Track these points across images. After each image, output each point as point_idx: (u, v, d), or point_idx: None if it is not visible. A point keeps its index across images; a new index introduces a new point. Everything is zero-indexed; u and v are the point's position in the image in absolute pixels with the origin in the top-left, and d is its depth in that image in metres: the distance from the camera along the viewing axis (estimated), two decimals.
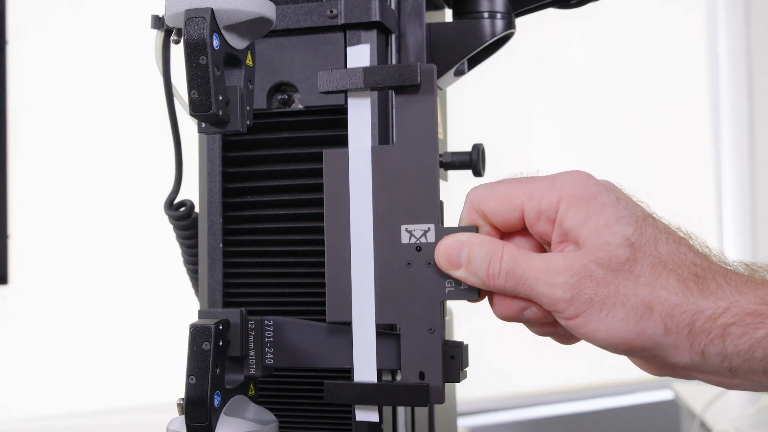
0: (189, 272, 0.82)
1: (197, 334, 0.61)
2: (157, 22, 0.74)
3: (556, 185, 0.56)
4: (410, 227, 0.60)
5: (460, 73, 0.81)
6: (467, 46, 0.76)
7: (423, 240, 0.60)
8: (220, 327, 0.62)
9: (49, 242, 1.63)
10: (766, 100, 2.19)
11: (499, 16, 0.76)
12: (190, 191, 0.78)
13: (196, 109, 0.61)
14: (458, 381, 0.60)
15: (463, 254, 0.57)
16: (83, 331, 1.62)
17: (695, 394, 1.97)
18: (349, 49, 0.64)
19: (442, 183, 0.82)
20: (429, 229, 0.60)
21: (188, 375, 0.61)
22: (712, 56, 2.29)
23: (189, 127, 0.80)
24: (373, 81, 0.61)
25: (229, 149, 0.75)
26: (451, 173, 0.82)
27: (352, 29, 0.72)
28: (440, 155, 0.78)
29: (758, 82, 2.21)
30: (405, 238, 0.60)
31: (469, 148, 0.78)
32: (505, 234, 0.60)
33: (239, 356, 0.64)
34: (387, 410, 0.73)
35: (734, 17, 2.22)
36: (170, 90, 0.76)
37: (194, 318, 0.80)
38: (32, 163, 1.63)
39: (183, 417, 0.63)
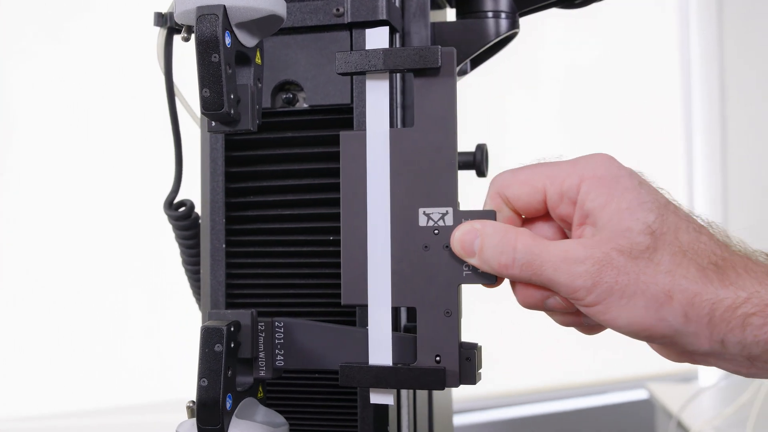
0: (187, 273, 0.81)
1: (209, 335, 0.60)
2: (160, 19, 0.73)
3: (577, 167, 0.56)
4: (428, 210, 0.60)
5: (462, 72, 0.80)
6: (472, 46, 0.76)
7: (441, 223, 0.60)
8: (232, 329, 0.61)
9: (48, 242, 1.61)
10: (737, 94, 2.22)
11: (503, 15, 0.76)
12: (192, 191, 0.77)
13: (208, 108, 0.60)
14: (474, 383, 0.60)
15: (476, 243, 0.57)
16: (80, 330, 1.61)
17: (670, 394, 1.99)
18: (368, 31, 0.64)
19: None
20: (447, 213, 0.60)
21: (200, 377, 0.60)
22: (684, 53, 2.31)
23: (189, 125, 0.79)
24: (393, 63, 0.60)
25: (233, 149, 0.74)
26: None
27: (358, 28, 0.71)
28: None
29: (729, 80, 2.23)
30: (423, 221, 0.60)
31: (472, 149, 0.77)
32: (526, 220, 0.60)
33: (249, 358, 0.63)
34: (392, 408, 0.72)
35: (706, 16, 2.25)
36: (171, 88, 0.75)
37: (193, 318, 0.79)
38: (32, 161, 1.61)
39: (193, 420, 0.62)
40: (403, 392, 0.74)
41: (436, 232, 0.60)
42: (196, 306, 0.84)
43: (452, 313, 0.60)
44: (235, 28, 0.62)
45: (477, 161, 0.77)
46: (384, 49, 0.60)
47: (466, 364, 0.60)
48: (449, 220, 0.60)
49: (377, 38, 0.64)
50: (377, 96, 0.62)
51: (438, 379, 0.59)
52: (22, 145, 1.60)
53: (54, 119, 1.61)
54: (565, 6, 0.78)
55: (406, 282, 0.60)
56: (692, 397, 1.85)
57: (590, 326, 0.59)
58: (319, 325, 0.64)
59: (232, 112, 0.61)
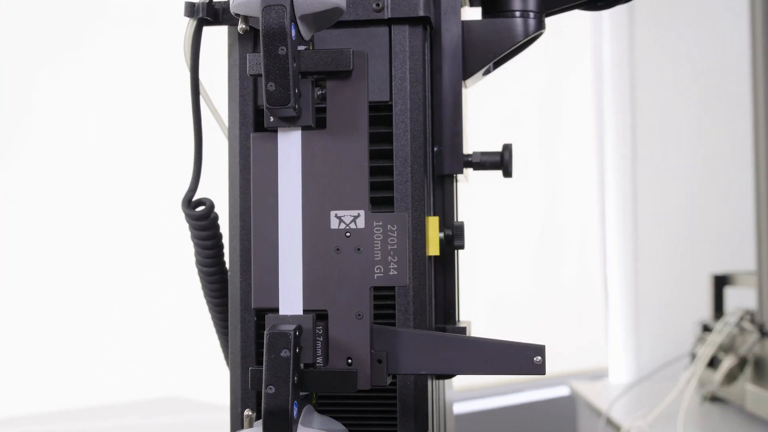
0: (200, 273, 0.78)
1: (275, 341, 0.58)
2: (191, 9, 0.70)
3: None
4: (340, 213, 0.60)
5: (486, 71, 0.80)
6: (500, 45, 0.75)
7: (352, 226, 0.60)
8: (297, 333, 0.59)
9: (47, 241, 1.53)
10: (646, 106, 2.28)
11: (531, 15, 0.76)
12: (217, 190, 0.74)
13: (273, 103, 0.58)
14: (386, 384, 0.61)
15: None
16: (80, 330, 1.53)
17: (593, 390, 2.03)
18: None
19: (462, 184, 0.81)
20: (359, 215, 0.60)
21: (266, 384, 0.57)
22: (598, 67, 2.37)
23: (207, 123, 0.76)
24: (305, 66, 0.60)
25: None
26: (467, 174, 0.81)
27: (397, 24, 0.70)
28: (469, 155, 0.77)
29: (640, 94, 2.30)
30: (334, 224, 0.60)
31: (497, 148, 0.77)
32: None
33: (309, 364, 0.61)
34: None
35: (619, 29, 2.31)
36: (197, 82, 0.72)
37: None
38: (31, 160, 1.52)
39: (252, 430, 0.60)
40: (436, 393, 0.73)
41: (347, 234, 0.60)
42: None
43: (364, 315, 0.60)
44: (297, 20, 0.59)
45: (505, 161, 0.76)
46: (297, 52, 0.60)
47: (378, 366, 0.60)
48: (361, 223, 0.60)
49: None
50: None
51: (349, 381, 0.60)
52: (22, 144, 1.52)
53: (53, 117, 1.54)
54: (589, 8, 0.78)
55: (318, 285, 0.60)
56: (622, 394, 1.90)
57: None
58: (378, 327, 0.62)
59: (297, 107, 0.59)
